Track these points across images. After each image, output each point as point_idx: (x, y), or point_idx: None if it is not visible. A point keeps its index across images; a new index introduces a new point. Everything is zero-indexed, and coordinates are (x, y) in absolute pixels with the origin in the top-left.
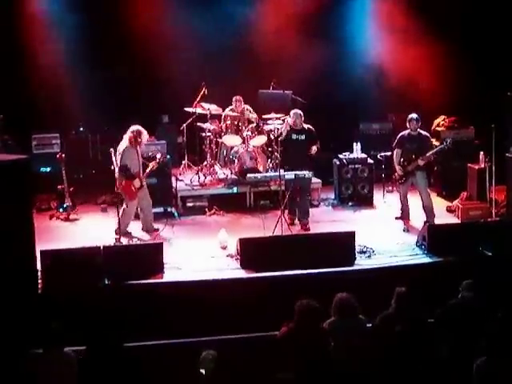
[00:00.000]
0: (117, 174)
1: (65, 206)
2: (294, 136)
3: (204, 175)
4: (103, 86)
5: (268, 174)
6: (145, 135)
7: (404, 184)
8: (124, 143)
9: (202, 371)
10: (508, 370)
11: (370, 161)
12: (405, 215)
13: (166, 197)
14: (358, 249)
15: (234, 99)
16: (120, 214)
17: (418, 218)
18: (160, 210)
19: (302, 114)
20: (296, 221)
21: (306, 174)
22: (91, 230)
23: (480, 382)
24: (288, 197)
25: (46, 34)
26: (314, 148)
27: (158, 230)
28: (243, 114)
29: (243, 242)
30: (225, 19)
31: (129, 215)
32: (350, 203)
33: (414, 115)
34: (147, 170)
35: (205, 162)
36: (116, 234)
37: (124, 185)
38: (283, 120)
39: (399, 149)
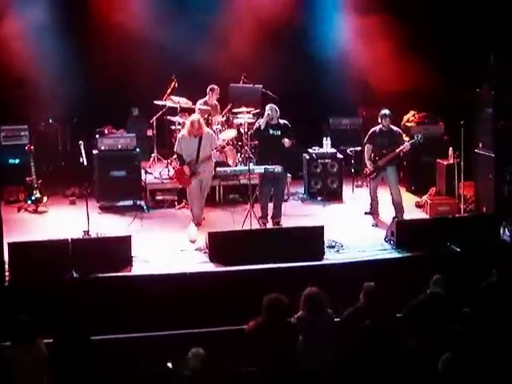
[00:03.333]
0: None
1: (33, 198)
2: (271, 131)
3: (173, 168)
4: (73, 77)
5: (237, 168)
6: (195, 126)
7: (375, 179)
8: (182, 131)
9: (169, 365)
10: (473, 366)
11: (339, 155)
12: (374, 210)
13: (135, 190)
14: (326, 243)
15: (209, 88)
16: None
17: (386, 213)
18: (129, 202)
19: (277, 108)
20: (269, 221)
21: (276, 168)
22: (59, 222)
23: (445, 377)
24: (260, 198)
25: (14, 25)
26: (287, 141)
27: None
28: (215, 108)
29: (212, 236)
30: (196, 12)
31: (191, 200)
32: (319, 198)
33: (386, 111)
34: (201, 159)
35: (174, 156)
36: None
37: (176, 170)
38: (253, 114)
39: (370, 144)
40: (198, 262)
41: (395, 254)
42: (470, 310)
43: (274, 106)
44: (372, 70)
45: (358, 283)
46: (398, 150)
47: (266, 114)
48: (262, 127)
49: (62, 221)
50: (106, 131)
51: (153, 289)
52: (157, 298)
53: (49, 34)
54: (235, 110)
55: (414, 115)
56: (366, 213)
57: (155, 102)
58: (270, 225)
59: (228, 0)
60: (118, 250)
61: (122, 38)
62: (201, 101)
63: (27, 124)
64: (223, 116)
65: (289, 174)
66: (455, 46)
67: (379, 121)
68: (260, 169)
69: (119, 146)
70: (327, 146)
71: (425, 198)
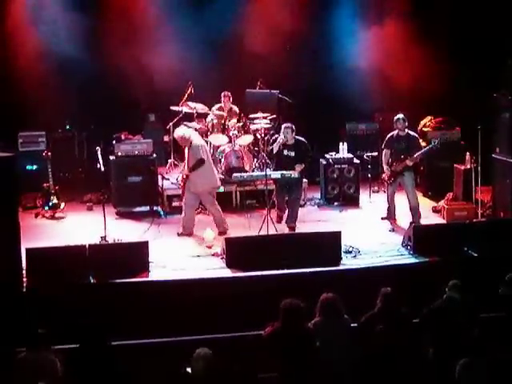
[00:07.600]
0: None
1: (50, 204)
2: (285, 152)
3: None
4: (90, 84)
5: (254, 174)
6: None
7: (392, 184)
8: None
9: (188, 370)
10: (489, 371)
11: (356, 161)
12: (391, 215)
13: (152, 195)
14: (343, 249)
15: (222, 95)
16: None
17: (403, 219)
18: (146, 208)
19: (292, 127)
20: (284, 217)
21: (292, 173)
22: (77, 228)
23: (462, 383)
24: (276, 194)
25: (31, 31)
26: (298, 167)
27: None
28: (231, 111)
29: (229, 242)
30: (213, 18)
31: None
32: (335, 203)
33: (400, 115)
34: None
35: None
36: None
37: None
38: (270, 119)
39: (388, 149)
40: (215, 268)
41: (412, 259)
42: (488, 316)
43: (290, 126)
44: (389, 76)
45: (374, 288)
46: (417, 155)
47: (280, 137)
48: (275, 150)
49: (80, 227)
50: (123, 137)
51: (170, 294)
52: (174, 304)
53: (66, 40)
54: (252, 116)
55: (430, 120)
56: (382, 218)
57: (172, 107)
58: (285, 226)
59: (246, 6)
60: (135, 255)
61: (138, 45)
62: (216, 106)
63: (45, 130)
64: (239, 121)
65: (305, 179)
66: (472, 51)
67: (394, 125)
68: (277, 174)
69: (136, 152)
70: (344, 152)
71: (442, 203)
